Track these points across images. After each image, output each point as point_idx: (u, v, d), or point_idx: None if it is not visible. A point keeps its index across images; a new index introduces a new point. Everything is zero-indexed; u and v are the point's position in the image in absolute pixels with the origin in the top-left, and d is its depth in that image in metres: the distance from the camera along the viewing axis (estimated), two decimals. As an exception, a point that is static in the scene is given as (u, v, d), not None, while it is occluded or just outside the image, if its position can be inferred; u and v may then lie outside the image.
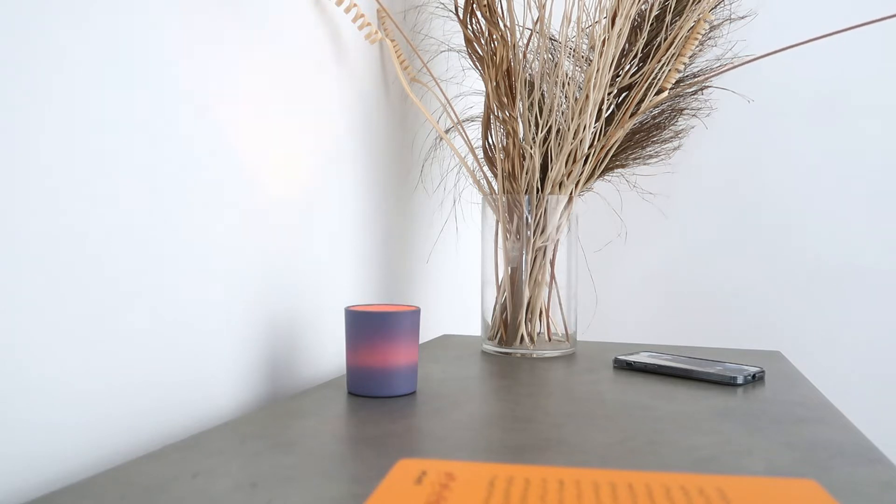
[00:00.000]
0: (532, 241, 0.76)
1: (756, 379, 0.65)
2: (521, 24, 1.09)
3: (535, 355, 0.75)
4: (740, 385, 0.63)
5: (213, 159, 0.52)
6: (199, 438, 0.44)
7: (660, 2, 0.79)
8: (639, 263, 1.57)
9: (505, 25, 0.76)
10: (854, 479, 0.39)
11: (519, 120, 0.78)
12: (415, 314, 0.56)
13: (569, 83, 0.76)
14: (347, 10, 0.67)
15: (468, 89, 1.14)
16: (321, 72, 0.68)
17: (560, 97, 0.76)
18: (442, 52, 1.01)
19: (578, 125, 0.75)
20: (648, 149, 0.87)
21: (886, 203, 1.42)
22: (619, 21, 0.74)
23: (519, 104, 0.77)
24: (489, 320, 0.79)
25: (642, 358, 0.71)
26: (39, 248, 0.38)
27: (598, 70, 0.74)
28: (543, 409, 0.53)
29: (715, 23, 0.87)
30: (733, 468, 0.40)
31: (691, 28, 0.77)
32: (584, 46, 0.80)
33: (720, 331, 1.51)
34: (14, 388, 0.37)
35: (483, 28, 0.77)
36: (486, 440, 0.45)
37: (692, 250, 1.53)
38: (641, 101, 0.79)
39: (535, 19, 0.78)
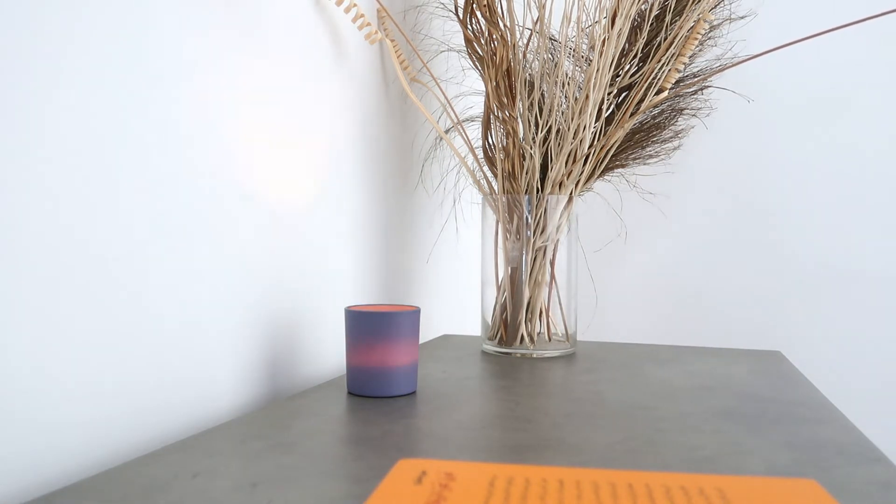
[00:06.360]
0: (532, 241, 0.76)
1: None
2: (521, 24, 1.09)
3: (535, 355, 0.75)
4: None
5: (212, 159, 0.52)
6: (199, 438, 0.44)
7: (660, 2, 0.79)
8: (639, 263, 1.57)
9: (505, 25, 0.76)
10: (854, 479, 0.39)
11: (519, 120, 0.78)
12: (415, 314, 0.56)
13: (569, 83, 0.76)
14: (347, 10, 0.67)
15: (468, 89, 1.14)
16: (321, 72, 0.68)
17: (560, 97, 0.76)
18: (442, 52, 1.01)
19: (578, 125, 0.75)
20: (648, 149, 0.87)
21: (887, 203, 1.42)
22: (619, 21, 0.74)
23: (519, 104, 0.77)
24: (489, 320, 0.79)
25: None
26: (39, 247, 0.38)
27: (598, 70, 0.74)
28: (543, 409, 0.53)
29: (715, 23, 0.87)
30: (733, 468, 0.40)
31: (691, 28, 0.77)
32: (584, 46, 0.80)
33: (720, 331, 1.51)
34: (14, 388, 0.37)
35: (483, 28, 0.77)
36: (486, 440, 0.45)
37: (692, 250, 1.53)
38: (641, 101, 0.79)
39: (535, 19, 0.78)
